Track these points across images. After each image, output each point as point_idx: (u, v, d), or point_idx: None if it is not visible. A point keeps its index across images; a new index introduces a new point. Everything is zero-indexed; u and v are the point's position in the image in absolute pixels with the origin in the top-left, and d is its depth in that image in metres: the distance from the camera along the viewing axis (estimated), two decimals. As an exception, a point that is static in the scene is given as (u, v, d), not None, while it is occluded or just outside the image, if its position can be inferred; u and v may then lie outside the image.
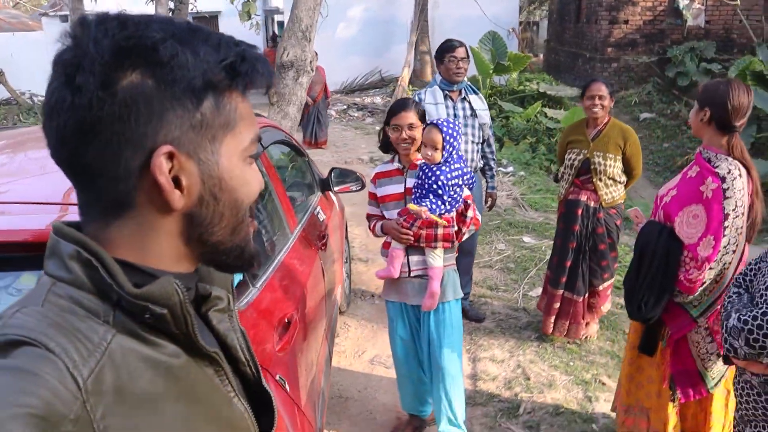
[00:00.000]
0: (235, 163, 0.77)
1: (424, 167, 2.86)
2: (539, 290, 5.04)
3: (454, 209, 2.89)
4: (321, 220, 3.65)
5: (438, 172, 2.80)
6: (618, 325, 4.48)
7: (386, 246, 3.06)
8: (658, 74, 13.00)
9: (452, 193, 2.83)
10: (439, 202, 2.81)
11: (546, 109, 11.01)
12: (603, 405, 3.52)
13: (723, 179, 2.48)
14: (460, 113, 4.20)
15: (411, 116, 2.90)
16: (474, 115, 4.22)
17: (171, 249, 0.77)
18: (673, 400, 2.77)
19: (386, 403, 3.60)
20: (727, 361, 2.02)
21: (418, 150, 2.99)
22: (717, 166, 2.52)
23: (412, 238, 2.85)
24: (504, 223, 6.75)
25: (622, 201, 3.99)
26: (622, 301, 4.74)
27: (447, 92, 4.18)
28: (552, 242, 6.09)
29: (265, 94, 5.88)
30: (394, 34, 16.75)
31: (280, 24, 21.08)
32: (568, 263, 4.00)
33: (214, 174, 0.75)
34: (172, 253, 0.77)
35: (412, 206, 2.81)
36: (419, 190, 2.87)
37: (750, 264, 2.10)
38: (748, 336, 1.78)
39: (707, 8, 13.36)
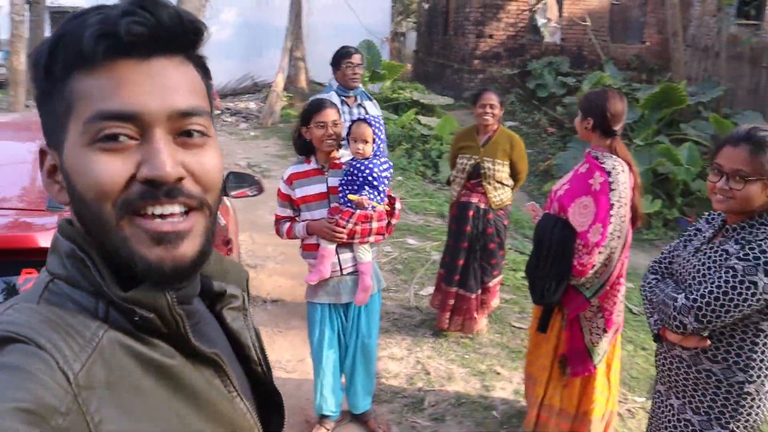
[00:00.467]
0: (74, 152, 0.69)
1: (354, 162, 2.91)
2: (430, 289, 5.24)
3: (383, 202, 2.97)
4: (223, 225, 3.58)
5: (371, 165, 2.87)
6: (504, 318, 4.77)
7: (308, 248, 3.05)
8: (519, 86, 13.90)
9: (383, 185, 2.92)
10: (375, 193, 2.88)
11: (420, 117, 11.40)
12: (500, 392, 3.75)
13: (609, 173, 2.83)
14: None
15: (334, 113, 2.94)
16: (371, 119, 4.32)
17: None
18: (564, 374, 3.08)
19: (292, 406, 3.58)
20: (657, 339, 2.26)
21: (336, 149, 3.04)
22: (603, 163, 2.88)
23: (346, 236, 2.88)
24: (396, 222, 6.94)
25: (510, 203, 4.27)
26: (507, 296, 5.09)
27: (343, 98, 4.26)
28: (435, 243, 6.43)
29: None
30: (268, 39, 16.57)
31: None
32: (461, 262, 4.22)
33: (64, 165, 0.71)
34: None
35: (352, 197, 2.84)
36: (350, 186, 2.90)
37: (663, 254, 2.38)
38: (698, 312, 1.99)
39: (562, 27, 14.50)
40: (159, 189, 0.68)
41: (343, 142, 3.04)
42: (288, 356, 4.16)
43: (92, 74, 0.68)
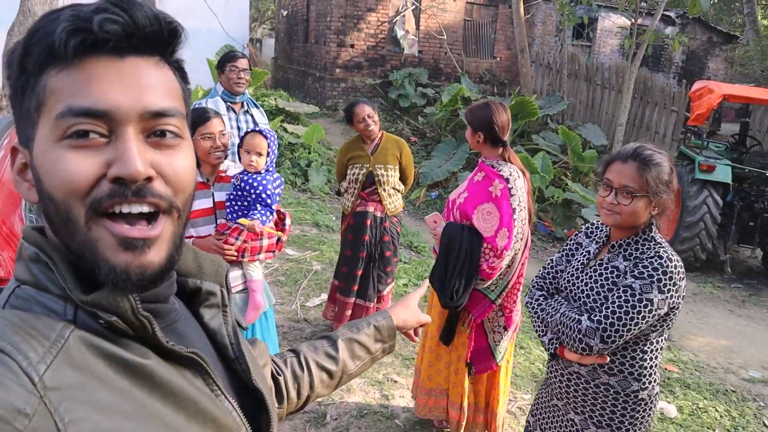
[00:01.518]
0: (44, 148, 0.69)
1: (246, 177, 2.76)
2: (316, 300, 5.16)
3: (271, 219, 2.86)
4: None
5: (264, 182, 2.74)
6: (393, 326, 4.79)
7: None
8: (382, 95, 14.19)
9: (276, 202, 2.80)
10: (268, 213, 2.75)
11: (286, 125, 11.25)
12: (399, 401, 3.75)
13: (507, 180, 2.97)
14: (243, 126, 4.11)
15: (219, 123, 2.78)
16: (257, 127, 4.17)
17: None
18: (470, 375, 3.17)
19: None
20: (554, 357, 2.26)
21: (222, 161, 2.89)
22: (500, 170, 3.01)
23: (236, 255, 2.73)
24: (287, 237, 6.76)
25: (402, 209, 4.31)
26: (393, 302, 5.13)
27: (230, 103, 4.07)
28: (314, 252, 6.35)
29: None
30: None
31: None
32: (359, 272, 4.19)
33: (34, 163, 0.70)
34: None
35: (244, 221, 2.69)
36: (239, 202, 2.76)
37: (545, 269, 2.41)
38: (603, 334, 2.01)
39: (419, 40, 15.01)
40: (128, 188, 0.67)
41: (228, 152, 2.89)
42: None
43: (64, 71, 0.67)
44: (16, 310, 0.67)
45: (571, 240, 2.40)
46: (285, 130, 11.11)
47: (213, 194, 2.82)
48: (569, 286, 2.25)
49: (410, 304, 1.43)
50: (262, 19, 24.92)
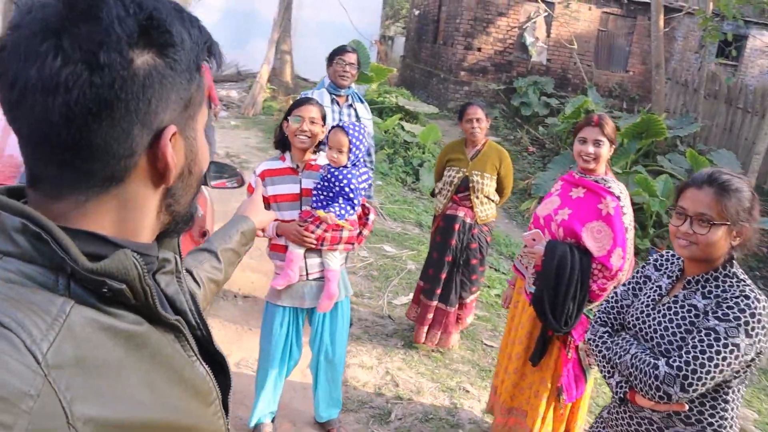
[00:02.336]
0: (201, 137, 0.81)
1: (332, 170, 2.82)
2: (403, 299, 5.18)
3: (355, 213, 2.89)
4: (200, 215, 3.46)
5: (349, 176, 2.79)
6: (476, 335, 4.72)
7: (276, 249, 2.95)
8: (504, 102, 13.97)
9: (360, 197, 2.84)
10: (348, 207, 2.80)
11: (404, 123, 11.35)
12: (467, 411, 3.69)
13: (619, 198, 2.82)
14: (345, 119, 4.20)
15: (314, 110, 2.85)
16: (358, 122, 4.24)
17: (148, 221, 0.78)
18: (558, 401, 3.02)
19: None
20: (623, 402, 2.08)
21: (314, 151, 2.96)
22: (610, 187, 2.86)
23: (316, 242, 2.80)
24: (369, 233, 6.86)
25: (494, 219, 4.23)
26: (480, 312, 5.05)
27: (334, 96, 4.17)
28: (411, 252, 6.36)
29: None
30: (255, 28, 16.37)
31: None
32: (444, 276, 4.16)
33: (194, 149, 0.79)
34: (148, 225, 0.78)
35: (320, 213, 2.75)
36: (324, 193, 2.82)
37: (609, 302, 2.24)
38: (683, 381, 1.83)
39: (549, 48, 14.62)
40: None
41: (322, 146, 2.96)
42: (255, 356, 4.03)
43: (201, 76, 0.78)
44: (8, 284, 0.64)
45: (637, 272, 2.22)
46: (402, 128, 11.22)
47: (300, 180, 2.90)
48: (639, 324, 2.07)
49: (259, 205, 1.68)
50: (397, 17, 25.26)
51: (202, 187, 3.98)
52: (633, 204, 8.50)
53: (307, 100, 2.89)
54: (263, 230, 2.88)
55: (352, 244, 2.94)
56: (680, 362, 1.85)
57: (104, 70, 0.64)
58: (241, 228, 1.56)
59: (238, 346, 4.14)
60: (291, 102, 5.64)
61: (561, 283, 2.83)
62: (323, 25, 16.49)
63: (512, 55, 14.46)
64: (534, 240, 3.00)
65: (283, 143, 2.95)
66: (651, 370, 1.91)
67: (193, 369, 0.82)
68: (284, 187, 2.89)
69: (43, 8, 0.65)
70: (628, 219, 2.83)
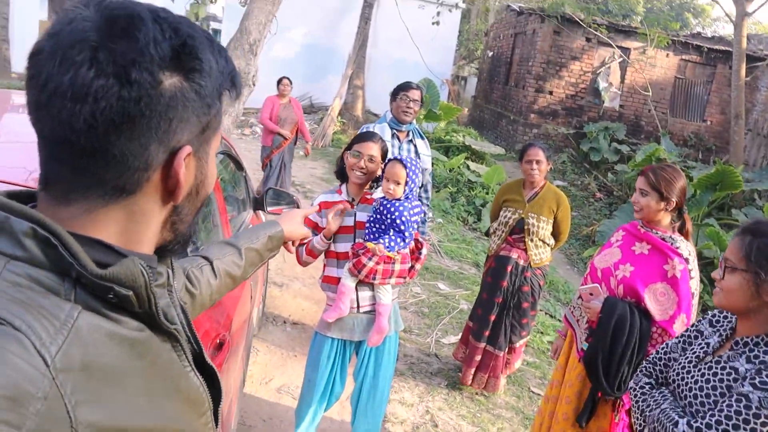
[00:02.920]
0: (213, 161, 0.84)
1: (385, 202, 2.83)
2: (452, 338, 5.10)
3: (407, 246, 2.89)
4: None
5: (401, 209, 2.79)
6: (524, 381, 4.59)
7: (328, 280, 2.96)
8: (573, 146, 13.76)
9: (411, 229, 2.84)
10: (399, 240, 2.80)
11: (469, 162, 11.34)
12: (507, 461, 3.57)
13: (687, 260, 2.66)
14: (404, 154, 4.22)
15: (374, 148, 2.87)
16: (417, 158, 4.26)
17: (151, 235, 0.80)
18: None
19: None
20: None
21: (370, 186, 2.98)
22: (678, 248, 2.69)
23: (366, 275, 2.80)
24: (422, 267, 6.82)
25: (548, 263, 4.13)
26: (530, 358, 4.91)
27: (395, 131, 4.21)
28: (465, 292, 6.28)
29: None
30: (331, 63, 16.83)
31: (215, 31, 20.72)
32: (493, 317, 4.08)
33: (204, 172, 0.82)
34: (150, 239, 0.80)
35: (370, 244, 2.76)
36: (376, 225, 2.83)
37: (658, 353, 2.13)
38: None
39: (623, 93, 14.36)
40: None
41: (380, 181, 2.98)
42: (297, 382, 4.05)
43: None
44: (17, 287, 0.65)
45: (692, 326, 2.10)
46: (467, 167, 11.22)
47: (355, 213, 2.92)
48: (677, 380, 1.95)
49: (296, 218, 1.70)
50: (471, 57, 25.43)
51: (259, 213, 4.08)
52: (702, 258, 8.14)
53: (370, 136, 2.92)
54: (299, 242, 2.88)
55: (404, 278, 2.93)
56: (701, 424, 1.73)
57: (133, 86, 0.67)
58: (269, 232, 1.60)
59: (282, 371, 4.17)
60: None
61: (617, 345, 2.68)
62: (397, 63, 16.80)
63: (584, 100, 14.28)
64: (591, 294, 2.85)
65: (342, 173, 2.99)
66: (670, 427, 1.80)
67: (188, 379, 0.83)
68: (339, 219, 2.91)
69: (84, 21, 0.68)
70: (695, 284, 2.67)
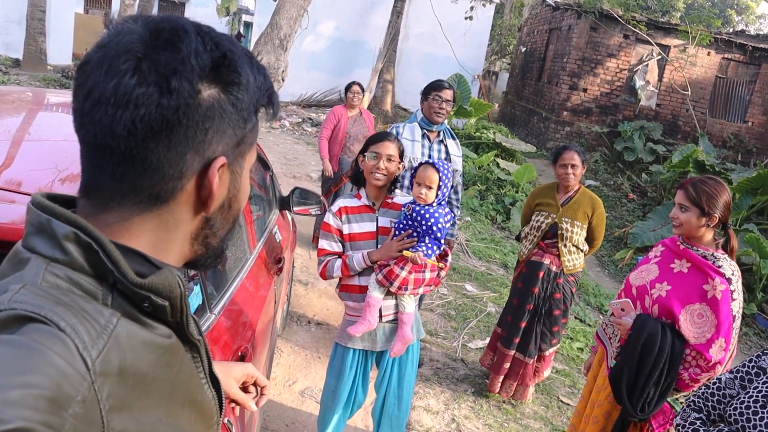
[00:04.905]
0: (246, 176, 0.85)
1: (418, 208, 2.73)
2: (479, 342, 4.99)
3: (438, 252, 2.79)
4: (278, 241, 3.47)
5: (437, 215, 2.69)
6: (553, 390, 4.46)
7: (347, 289, 2.85)
8: (606, 145, 13.47)
9: (446, 236, 2.75)
10: (435, 247, 2.70)
11: (499, 160, 11.16)
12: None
13: (729, 280, 2.49)
14: (435, 155, 4.11)
15: (392, 147, 2.77)
16: (448, 159, 4.15)
17: (182, 247, 0.81)
18: None
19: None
20: None
21: (389, 190, 2.87)
22: (721, 267, 2.53)
23: (399, 286, 2.71)
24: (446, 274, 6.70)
25: (581, 269, 3.99)
26: (559, 366, 4.77)
27: (426, 131, 4.10)
28: (493, 294, 6.15)
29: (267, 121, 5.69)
30: (360, 57, 16.75)
31: (247, 24, 20.76)
32: (523, 324, 3.96)
33: (237, 185, 0.83)
34: (180, 251, 0.81)
35: (407, 253, 2.66)
36: (407, 230, 2.73)
37: (709, 387, 2.01)
38: None
39: (660, 92, 14.00)
40: None
41: (398, 184, 2.87)
42: (321, 386, 3.98)
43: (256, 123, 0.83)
44: (58, 289, 0.67)
45: (750, 360, 1.94)
46: (497, 165, 11.04)
47: (377, 219, 2.82)
48: (742, 421, 1.79)
49: (231, 371, 1.33)
50: (503, 53, 25.13)
51: (285, 212, 4.00)
52: (741, 264, 7.88)
53: (385, 136, 2.81)
54: (346, 269, 2.78)
55: (431, 285, 2.83)
56: None
57: (172, 95, 0.70)
58: None
59: (305, 373, 4.10)
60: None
61: (644, 365, 2.55)
62: (427, 57, 16.64)
63: (619, 98, 13.96)
64: (623, 310, 2.72)
65: (357, 178, 2.87)
66: None
67: (203, 391, 0.84)
68: (361, 225, 2.80)
69: (131, 33, 0.71)
70: (737, 306, 2.50)
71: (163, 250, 0.78)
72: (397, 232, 2.77)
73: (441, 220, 2.73)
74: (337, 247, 2.79)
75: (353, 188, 2.93)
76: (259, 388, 1.40)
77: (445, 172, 2.77)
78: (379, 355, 2.95)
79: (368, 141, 2.82)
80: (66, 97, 3.16)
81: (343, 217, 2.79)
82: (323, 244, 2.80)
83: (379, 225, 2.81)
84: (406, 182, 3.96)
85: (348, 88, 6.29)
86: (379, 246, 2.79)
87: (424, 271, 2.74)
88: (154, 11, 14.72)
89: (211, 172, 0.76)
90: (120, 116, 0.69)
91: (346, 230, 2.78)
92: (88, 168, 0.75)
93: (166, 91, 0.69)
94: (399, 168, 2.80)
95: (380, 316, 2.81)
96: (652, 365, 2.53)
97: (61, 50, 16.47)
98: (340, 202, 2.83)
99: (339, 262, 2.78)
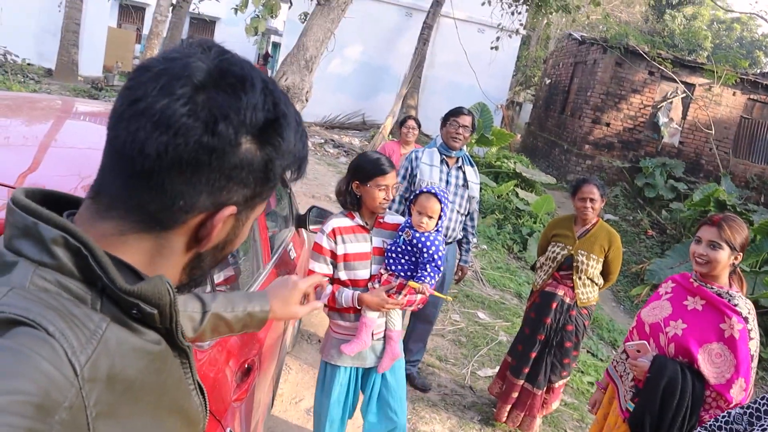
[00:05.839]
0: (249, 225, 0.85)
1: (419, 235, 2.76)
2: (488, 371, 4.95)
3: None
4: (292, 258, 3.49)
5: (437, 242, 2.72)
6: (561, 423, 4.40)
7: (340, 309, 2.84)
8: (627, 180, 13.41)
9: (443, 263, 2.78)
10: (436, 274, 2.73)
11: (518, 190, 11.16)
12: None
13: (746, 319, 2.46)
14: (453, 181, 4.14)
15: (394, 177, 2.77)
16: (465, 186, 4.17)
17: (170, 274, 0.80)
18: None
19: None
20: None
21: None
22: (737, 305, 2.50)
23: (400, 309, 2.75)
24: (461, 294, 6.69)
25: (595, 303, 3.97)
26: (568, 399, 4.71)
27: (444, 156, 4.13)
28: (506, 324, 6.11)
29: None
30: (385, 82, 16.92)
31: (275, 44, 21.11)
32: (534, 354, 3.93)
33: (237, 232, 0.84)
34: (170, 276, 0.79)
35: (415, 284, 2.70)
36: (406, 257, 2.76)
37: (717, 421, 1.99)
38: None
39: (683, 130, 13.95)
40: None
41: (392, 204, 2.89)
42: (327, 405, 3.97)
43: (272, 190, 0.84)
44: (49, 294, 0.66)
45: (762, 398, 1.92)
46: (516, 195, 11.03)
47: (371, 239, 2.84)
48: None
49: (292, 297, 1.48)
50: (528, 84, 25.23)
51: (301, 230, 4.02)
52: (759, 307, 7.77)
53: (385, 168, 2.73)
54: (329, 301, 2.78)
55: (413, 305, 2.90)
56: None
57: (214, 137, 0.70)
58: (253, 307, 1.40)
59: (312, 392, 4.05)
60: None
61: (667, 410, 2.49)
62: (452, 85, 16.77)
63: (642, 134, 13.93)
64: (638, 351, 2.67)
65: (355, 203, 2.80)
66: None
67: (190, 398, 0.84)
68: (356, 245, 2.79)
69: (201, 61, 0.72)
70: (755, 345, 2.47)
71: (153, 272, 0.77)
72: (393, 255, 2.79)
73: (441, 248, 2.77)
74: (327, 269, 2.77)
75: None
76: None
77: (445, 201, 2.81)
78: (365, 373, 2.96)
79: (371, 173, 2.72)
80: (94, 107, 3.25)
81: (337, 237, 2.76)
82: (313, 265, 2.78)
83: (373, 245, 2.83)
84: (395, 205, 4.00)
85: (403, 122, 6.01)
86: (373, 265, 2.82)
87: (415, 294, 2.80)
88: (185, 28, 15.03)
89: (217, 217, 0.76)
90: (157, 137, 0.69)
91: (340, 251, 2.76)
92: (104, 170, 0.75)
93: (210, 131, 0.70)
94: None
95: (371, 335, 2.84)
96: (675, 409, 2.48)
97: (92, 62, 16.87)
98: (333, 223, 2.80)
99: (329, 289, 2.78)
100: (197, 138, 0.69)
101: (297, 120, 0.80)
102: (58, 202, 0.78)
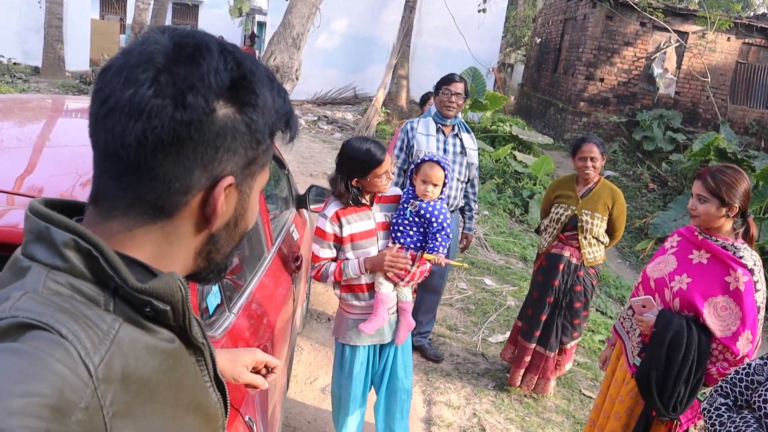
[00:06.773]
0: (255, 196, 0.85)
1: (425, 206, 2.73)
2: (499, 337, 4.97)
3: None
4: (295, 239, 3.47)
5: (444, 210, 2.71)
6: (575, 383, 4.42)
7: (354, 289, 2.83)
8: (625, 135, 13.33)
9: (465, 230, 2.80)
10: (446, 242, 2.74)
11: (516, 153, 11.09)
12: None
13: (752, 271, 2.44)
14: (450, 149, 4.10)
15: (389, 160, 2.71)
16: (464, 153, 4.13)
17: (185, 260, 0.81)
18: None
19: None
20: None
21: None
22: (742, 257, 2.48)
23: (408, 280, 2.74)
24: (467, 262, 6.68)
25: (602, 261, 3.96)
26: (580, 359, 4.74)
27: (440, 125, 4.09)
28: (513, 288, 6.12)
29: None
30: (374, 53, 16.72)
31: (260, 24, 20.82)
32: (544, 317, 3.93)
33: (244, 205, 0.83)
34: (183, 264, 0.81)
35: (429, 257, 2.70)
36: (414, 228, 2.74)
37: (738, 373, 1.98)
38: None
39: (679, 80, 13.82)
40: None
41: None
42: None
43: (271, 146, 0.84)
44: (62, 297, 0.66)
45: None
46: (514, 158, 10.97)
47: (374, 215, 2.81)
48: (766, 408, 1.78)
49: (240, 360, 1.33)
50: (518, 44, 24.94)
51: (302, 210, 4.00)
52: (764, 254, 7.76)
53: (379, 158, 2.64)
54: (338, 274, 2.75)
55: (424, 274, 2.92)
56: None
57: (186, 110, 0.70)
58: None
59: (326, 370, 4.10)
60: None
61: (673, 364, 2.49)
62: (441, 52, 16.58)
63: (637, 87, 13.80)
64: (643, 306, 2.66)
65: (357, 199, 2.72)
66: None
67: (207, 395, 0.84)
68: (360, 224, 2.76)
69: (155, 44, 0.72)
70: (761, 297, 2.45)
71: (165, 263, 0.78)
72: (401, 228, 2.77)
73: (448, 215, 2.78)
74: (330, 253, 2.76)
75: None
76: (269, 369, 1.40)
77: (448, 167, 2.80)
78: (381, 346, 2.98)
79: (369, 165, 2.64)
80: (84, 103, 3.20)
81: (341, 219, 2.73)
82: (317, 250, 2.76)
83: (377, 221, 2.81)
84: (394, 177, 3.95)
85: (424, 100, 5.83)
86: (379, 242, 2.79)
87: (426, 263, 2.83)
88: (168, 14, 14.82)
89: (217, 191, 0.76)
90: (132, 126, 0.69)
91: (346, 232, 2.73)
92: (98, 175, 0.76)
93: (181, 105, 0.70)
94: None
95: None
96: (680, 363, 2.48)
97: (78, 56, 16.68)
98: (334, 206, 2.76)
99: (333, 266, 2.76)
100: (170, 115, 0.69)
101: (269, 76, 0.80)
102: (75, 210, 0.79)
